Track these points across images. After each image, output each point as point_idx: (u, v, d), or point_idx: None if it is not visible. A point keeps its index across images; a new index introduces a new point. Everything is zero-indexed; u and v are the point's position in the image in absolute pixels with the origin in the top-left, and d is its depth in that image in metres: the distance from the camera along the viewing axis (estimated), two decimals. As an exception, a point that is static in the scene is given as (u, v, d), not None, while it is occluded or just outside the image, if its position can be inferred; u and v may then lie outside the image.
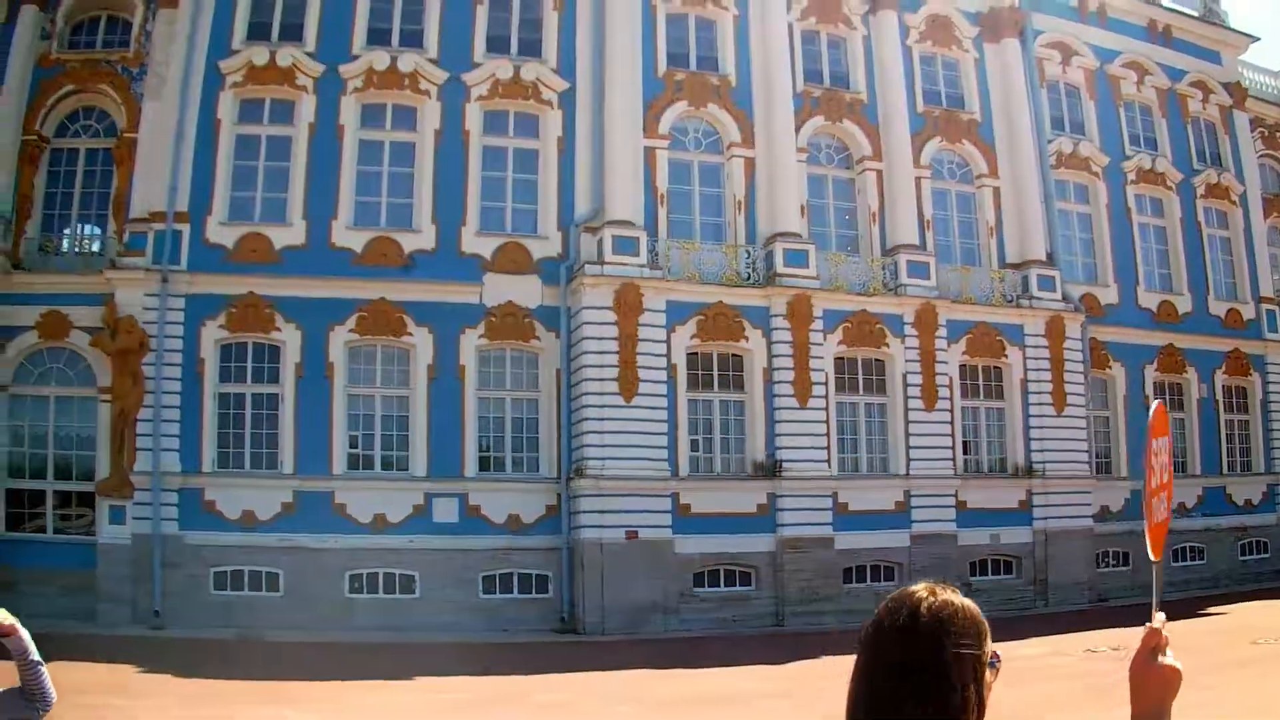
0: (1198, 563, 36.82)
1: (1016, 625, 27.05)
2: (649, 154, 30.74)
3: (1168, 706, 2.55)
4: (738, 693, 18.64)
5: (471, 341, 28.90)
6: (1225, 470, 38.61)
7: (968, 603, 2.53)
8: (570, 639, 26.82)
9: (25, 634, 4.69)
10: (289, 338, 28.01)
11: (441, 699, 17.72)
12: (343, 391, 28.24)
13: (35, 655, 4.71)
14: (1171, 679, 2.57)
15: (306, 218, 28.55)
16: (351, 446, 28.25)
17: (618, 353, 28.41)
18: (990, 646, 2.51)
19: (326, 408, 27.93)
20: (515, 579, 28.36)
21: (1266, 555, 38.84)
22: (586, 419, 28.27)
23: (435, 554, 27.35)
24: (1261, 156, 44.32)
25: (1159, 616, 2.71)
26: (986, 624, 2.54)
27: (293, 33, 29.40)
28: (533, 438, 29.42)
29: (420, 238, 29.08)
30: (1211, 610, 29.12)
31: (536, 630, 27.27)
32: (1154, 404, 3.56)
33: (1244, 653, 20.51)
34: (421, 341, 28.62)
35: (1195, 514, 37.03)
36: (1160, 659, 2.58)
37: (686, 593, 28.43)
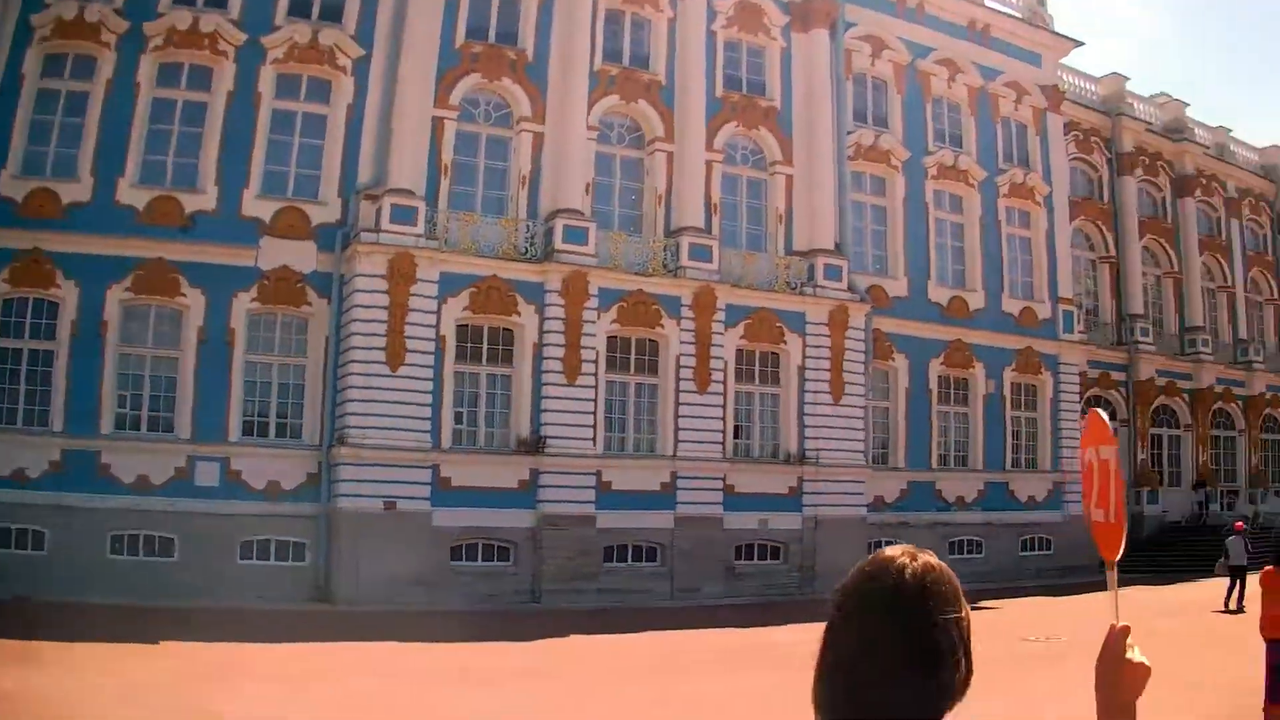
0: (976, 556, 38.85)
1: (779, 610, 28.29)
2: (437, 124, 31.51)
3: (1134, 704, 2.62)
4: (482, 668, 19.09)
5: (243, 305, 29.45)
6: (1009, 466, 40.78)
7: (945, 565, 2.46)
8: (325, 609, 27.24)
9: None
10: (68, 295, 28.09)
11: (185, 666, 17.67)
12: (114, 351, 28.57)
13: None
14: (1142, 676, 2.63)
15: (95, 174, 28.79)
16: (120, 406, 28.59)
17: (387, 322, 29.27)
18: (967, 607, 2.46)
19: (99, 366, 28.24)
20: (273, 546, 28.88)
21: (1049, 552, 41.07)
22: (351, 387, 29.03)
23: (195, 518, 27.60)
24: (1074, 160, 46.83)
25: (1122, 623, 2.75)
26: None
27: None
28: (299, 404, 30.06)
29: (202, 198, 29.43)
30: (985, 605, 30.47)
31: (292, 599, 27.46)
32: (1090, 413, 3.55)
33: (1011, 650, 21.29)
34: (195, 303, 28.96)
35: (975, 508, 39.24)
36: (1129, 656, 2.63)
37: (444, 566, 29.23)
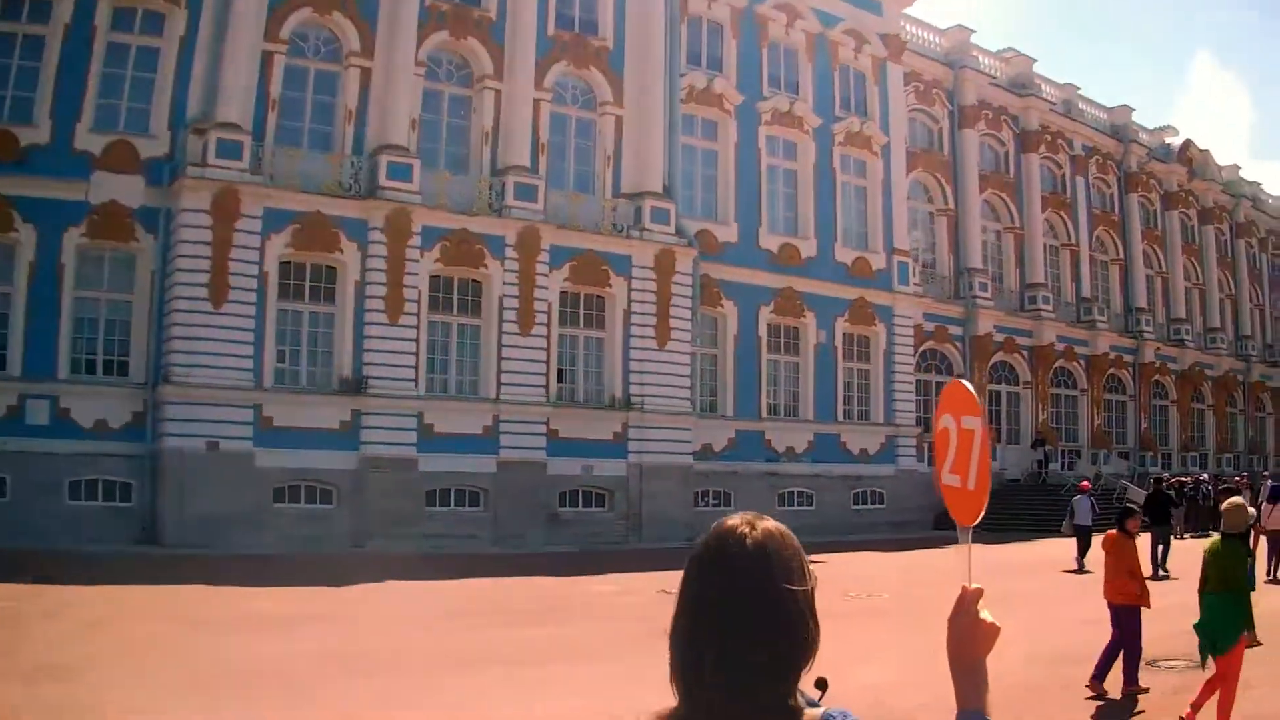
0: (806, 509, 40.19)
1: (602, 559, 29.11)
2: (267, 58, 31.67)
3: (984, 661, 2.74)
4: (282, 614, 18.91)
5: (74, 240, 29.49)
6: (841, 418, 42.12)
7: (787, 530, 2.54)
8: (148, 550, 27.23)
9: None
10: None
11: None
12: None
13: None
14: (991, 635, 2.74)
15: None
16: None
17: (210, 258, 29.54)
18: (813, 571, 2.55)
19: None
20: (101, 486, 29.02)
21: (881, 506, 42.70)
22: (176, 324, 29.30)
23: (26, 456, 27.58)
24: (913, 111, 48.14)
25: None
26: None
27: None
28: (125, 341, 30.13)
29: (36, 132, 29.22)
30: (811, 559, 31.35)
31: (120, 540, 27.62)
32: (953, 382, 3.60)
33: (831, 606, 21.06)
34: (26, 237, 28.91)
35: (804, 459, 40.41)
36: (980, 616, 2.74)
37: (267, 508, 29.57)
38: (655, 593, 20.39)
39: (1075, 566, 29.07)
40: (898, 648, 16.21)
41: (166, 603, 19.67)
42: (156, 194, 30.13)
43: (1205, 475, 47.53)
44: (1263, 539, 25.08)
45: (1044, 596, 23.20)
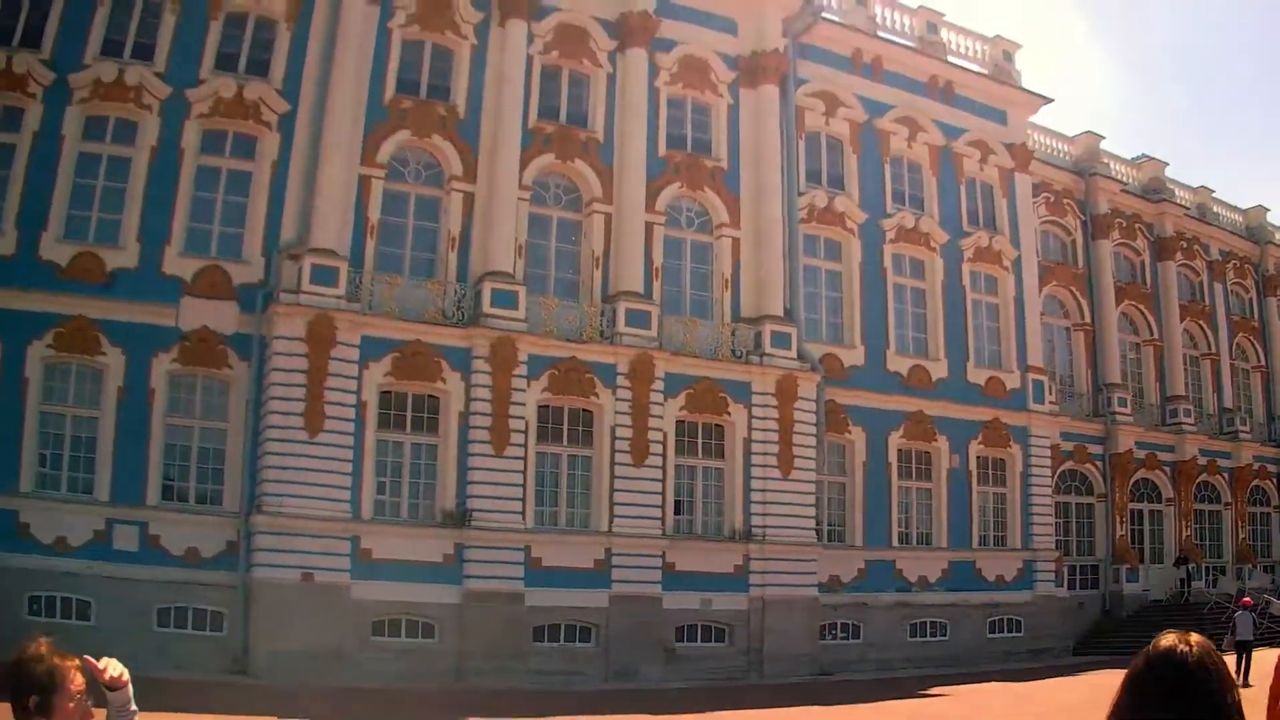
0: (940, 639, 37.57)
1: (723, 696, 27.68)
2: (364, 182, 30.77)
3: None
4: None
5: (164, 365, 28.73)
6: (976, 544, 39.36)
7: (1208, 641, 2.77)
8: (240, 680, 26.66)
9: (130, 686, 4.62)
10: (-11, 352, 27.91)
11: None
12: (35, 408, 27.88)
13: (134, 707, 4.62)
14: None
15: (18, 229, 28.20)
16: (40, 465, 27.90)
17: (306, 386, 28.51)
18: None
19: (18, 423, 27.54)
20: (191, 614, 28.12)
21: (1019, 634, 39.67)
22: (269, 453, 28.17)
23: (113, 582, 27.03)
24: (1045, 223, 45.78)
25: None
26: None
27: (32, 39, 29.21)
28: (219, 469, 29.27)
29: (124, 255, 28.85)
30: (933, 692, 29.48)
31: (209, 670, 26.97)
32: None
33: None
34: (115, 361, 28.41)
35: (937, 587, 37.85)
36: None
37: (364, 641, 28.30)
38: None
39: (1240, 681, 26.90)
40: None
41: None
42: (250, 320, 29.27)
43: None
44: None
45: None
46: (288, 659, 26.88)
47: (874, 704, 27.12)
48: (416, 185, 32.12)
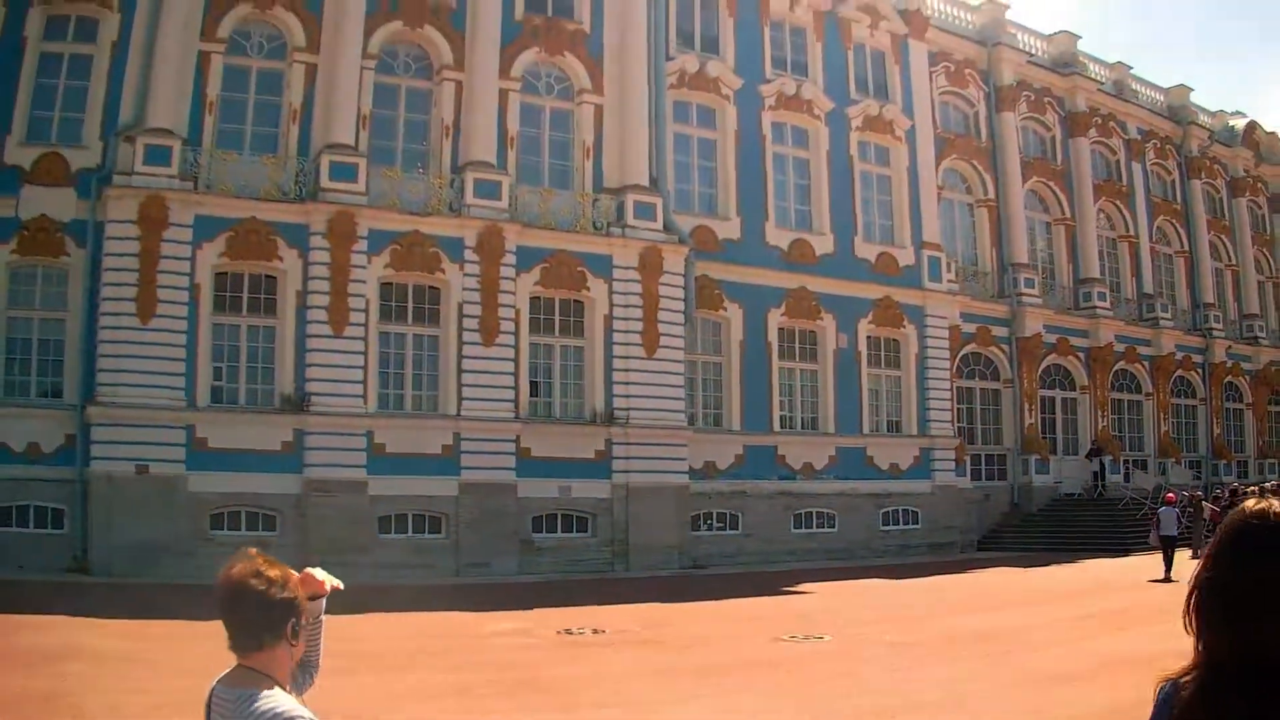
0: (827, 530, 36.40)
1: (583, 589, 26.46)
2: (204, 58, 29.71)
3: None
4: (178, 655, 15.78)
5: (3, 257, 28.10)
6: (867, 430, 38.01)
7: None
8: (78, 580, 25.69)
9: None
10: None
11: None
12: None
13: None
14: None
15: None
16: None
17: (139, 270, 27.64)
18: None
19: None
20: (32, 512, 27.39)
21: (915, 526, 38.62)
22: (104, 341, 27.56)
23: None
24: (944, 94, 44.09)
25: None
26: None
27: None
28: (59, 361, 28.49)
29: None
30: (799, 588, 27.88)
31: (50, 569, 26.09)
32: None
33: (748, 653, 17.60)
34: None
35: (824, 476, 36.59)
36: None
37: (202, 535, 27.26)
38: (555, 634, 19.47)
39: (1162, 576, 28.77)
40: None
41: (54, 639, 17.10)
42: (87, 206, 28.28)
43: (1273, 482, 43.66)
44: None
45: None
46: (125, 555, 26.47)
47: (721, 601, 25.32)
48: (259, 59, 30.97)
